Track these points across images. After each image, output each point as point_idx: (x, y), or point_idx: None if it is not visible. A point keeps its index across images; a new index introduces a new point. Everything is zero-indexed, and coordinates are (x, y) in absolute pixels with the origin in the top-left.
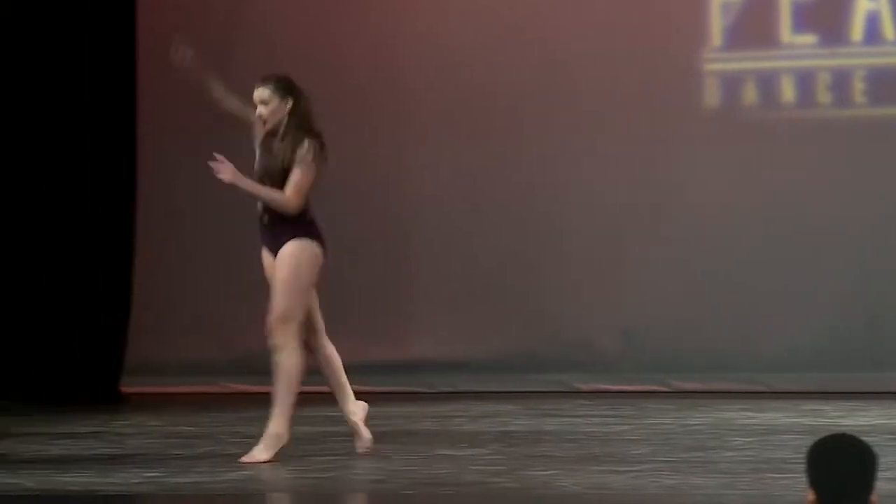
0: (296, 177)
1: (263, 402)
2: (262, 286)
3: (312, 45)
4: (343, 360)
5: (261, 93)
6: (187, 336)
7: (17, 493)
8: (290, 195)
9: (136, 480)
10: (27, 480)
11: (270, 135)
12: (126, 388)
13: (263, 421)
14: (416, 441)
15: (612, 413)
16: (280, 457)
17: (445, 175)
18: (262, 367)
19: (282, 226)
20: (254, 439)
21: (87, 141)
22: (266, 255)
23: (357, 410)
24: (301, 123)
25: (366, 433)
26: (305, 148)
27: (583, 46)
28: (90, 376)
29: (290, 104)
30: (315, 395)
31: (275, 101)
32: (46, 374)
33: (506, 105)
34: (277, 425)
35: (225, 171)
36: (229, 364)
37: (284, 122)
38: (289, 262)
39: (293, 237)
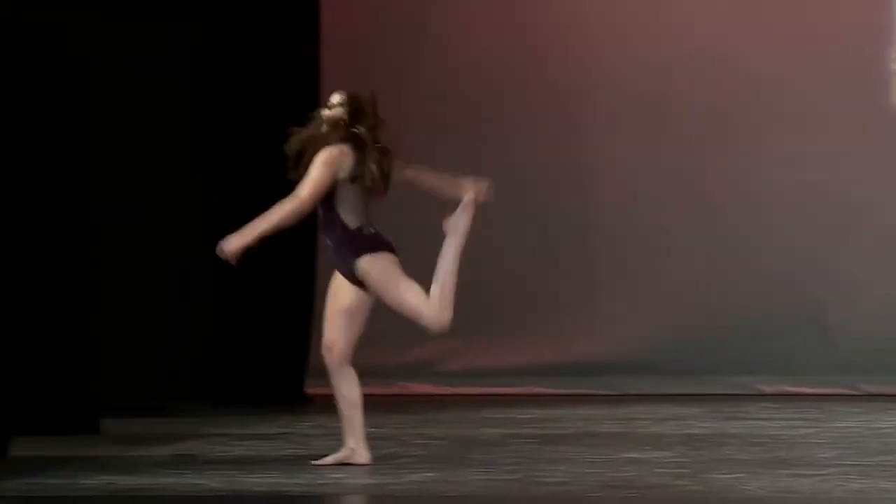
0: (304, 179)
1: (444, 404)
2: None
3: (500, 45)
4: (526, 364)
5: (332, 97)
6: (369, 338)
7: (204, 493)
8: (292, 196)
9: (321, 481)
10: (213, 481)
11: None
12: (310, 390)
13: (446, 422)
14: (600, 444)
15: (798, 416)
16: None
17: (634, 176)
18: (442, 369)
19: (343, 247)
20: (436, 441)
21: (270, 142)
22: (337, 275)
23: (358, 452)
24: (340, 138)
25: (330, 461)
26: (320, 154)
27: (770, 48)
28: (275, 378)
29: (345, 119)
30: (500, 398)
31: (338, 112)
32: (233, 376)
33: (696, 106)
34: None
35: (224, 249)
36: (409, 366)
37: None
38: (379, 276)
39: (359, 255)
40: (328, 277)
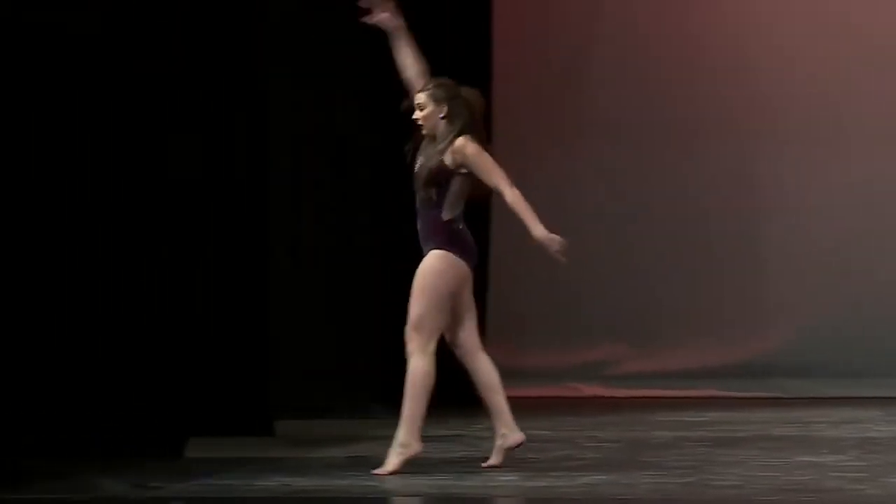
0: (490, 176)
1: (617, 407)
2: (622, 287)
3: (671, 32)
4: (699, 367)
5: (417, 97)
6: (543, 340)
7: (377, 494)
8: (506, 191)
9: (492, 484)
10: (386, 483)
11: (430, 139)
12: None
13: (619, 424)
14: (775, 447)
15: None
16: (408, 467)
17: (802, 178)
18: (616, 371)
19: (428, 234)
20: (609, 443)
21: None
22: None
23: (509, 436)
24: (452, 129)
25: (496, 459)
26: (464, 147)
27: None
28: (449, 380)
29: (444, 110)
30: (673, 400)
31: (429, 107)
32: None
33: (862, 107)
34: (403, 434)
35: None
36: (583, 369)
37: (439, 127)
38: (425, 272)
39: (436, 248)
40: (500, 278)
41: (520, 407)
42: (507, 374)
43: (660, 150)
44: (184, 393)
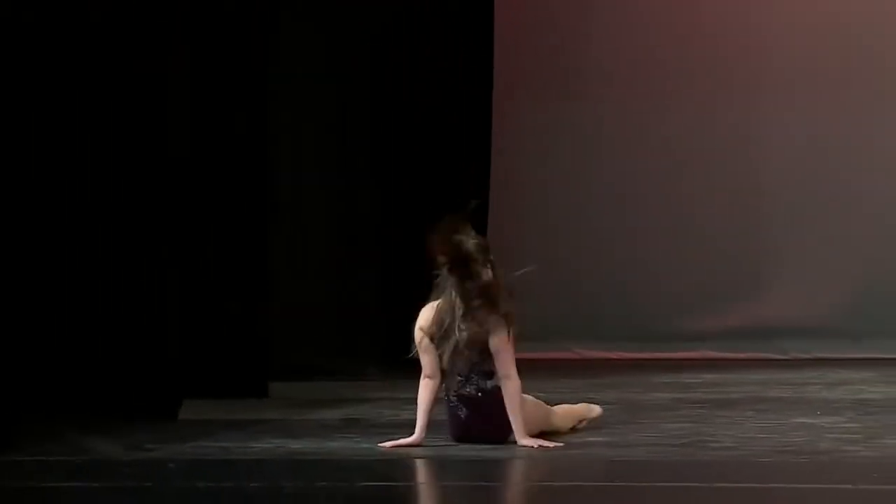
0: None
1: (615, 368)
2: (618, 248)
3: (671, 22)
4: (696, 328)
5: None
6: (537, 301)
7: (372, 457)
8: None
9: (488, 447)
10: (380, 446)
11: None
12: None
13: (616, 387)
14: (770, 408)
15: None
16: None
17: (804, 139)
18: (613, 333)
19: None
20: (606, 405)
21: (444, 134)
22: None
23: None
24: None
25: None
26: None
27: None
28: None
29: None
30: (670, 362)
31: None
32: (400, 340)
33: (863, 67)
34: None
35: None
36: (579, 329)
37: None
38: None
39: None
40: (500, 243)
41: (522, 367)
42: None
43: (659, 115)
44: (178, 355)
